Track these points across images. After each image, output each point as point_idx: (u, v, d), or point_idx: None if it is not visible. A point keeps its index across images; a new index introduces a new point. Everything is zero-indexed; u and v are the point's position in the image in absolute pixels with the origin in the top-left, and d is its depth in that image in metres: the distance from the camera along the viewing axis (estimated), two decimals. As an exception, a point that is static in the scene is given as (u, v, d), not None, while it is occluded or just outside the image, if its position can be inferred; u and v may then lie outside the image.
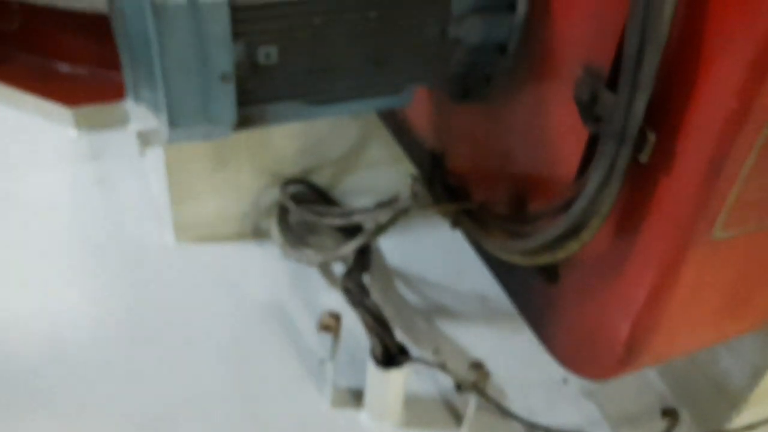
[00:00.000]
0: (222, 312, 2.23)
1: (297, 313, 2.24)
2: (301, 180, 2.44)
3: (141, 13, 1.17)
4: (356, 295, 1.97)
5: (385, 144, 2.39)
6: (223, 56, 1.21)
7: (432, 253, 2.47)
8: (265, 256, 2.45)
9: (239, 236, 2.51)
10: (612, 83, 1.11)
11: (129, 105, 2.91)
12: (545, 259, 1.32)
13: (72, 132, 2.85)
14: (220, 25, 1.17)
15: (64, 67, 3.13)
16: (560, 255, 1.27)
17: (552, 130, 1.36)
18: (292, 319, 2.22)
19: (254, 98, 1.30)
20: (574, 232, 1.22)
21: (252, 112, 1.33)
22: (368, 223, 2.01)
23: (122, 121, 2.92)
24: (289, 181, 2.43)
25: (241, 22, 1.19)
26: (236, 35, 1.20)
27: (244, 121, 1.32)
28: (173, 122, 1.26)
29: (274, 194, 2.46)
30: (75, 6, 2.91)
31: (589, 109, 1.15)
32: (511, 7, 1.34)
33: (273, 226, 2.46)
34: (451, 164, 1.79)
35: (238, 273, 2.38)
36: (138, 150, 2.18)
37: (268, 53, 1.24)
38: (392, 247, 2.48)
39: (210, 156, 2.31)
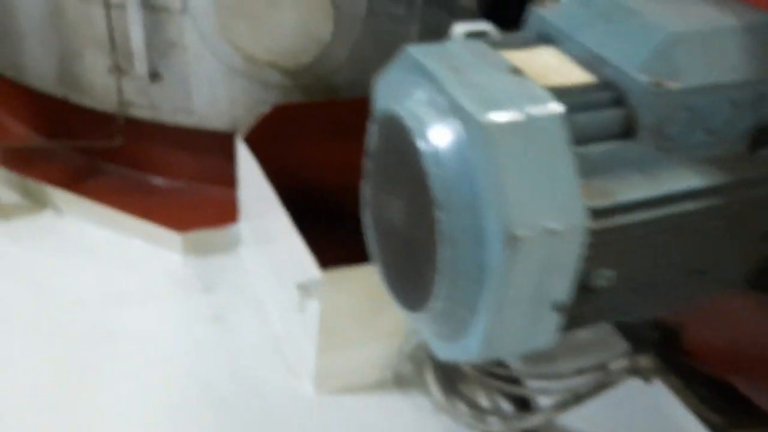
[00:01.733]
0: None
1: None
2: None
3: (477, 240, 0.96)
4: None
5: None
6: (561, 284, 1.00)
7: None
8: (412, 407, 2.21)
9: (380, 384, 2.27)
10: None
11: (240, 227, 2.73)
12: None
13: (179, 258, 2.63)
14: (569, 253, 0.96)
15: (160, 181, 2.94)
16: None
17: None
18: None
19: (576, 322, 1.08)
20: None
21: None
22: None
23: (232, 245, 2.71)
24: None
25: (589, 246, 0.99)
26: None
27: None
28: (486, 350, 1.04)
29: (418, 338, 2.24)
30: (182, 122, 2.74)
31: None
32: None
33: (427, 374, 2.23)
34: (693, 343, 1.58)
35: (386, 428, 2.14)
36: (297, 304, 1.97)
37: (605, 277, 1.04)
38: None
39: (367, 305, 2.09)
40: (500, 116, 0.93)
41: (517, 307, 1.00)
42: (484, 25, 1.22)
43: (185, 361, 2.26)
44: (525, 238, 0.91)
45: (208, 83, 2.63)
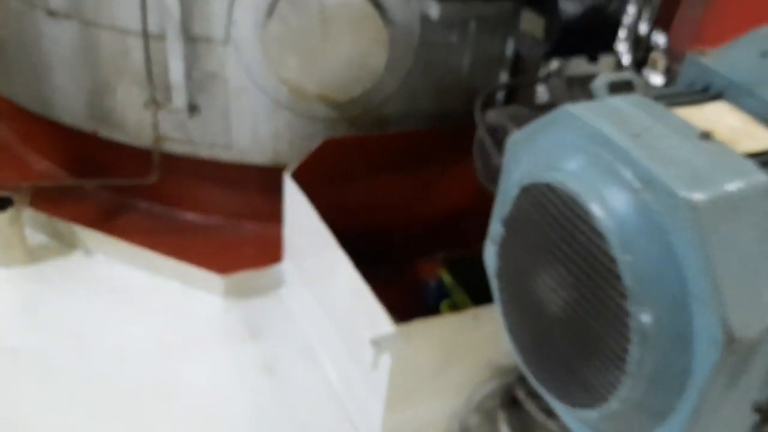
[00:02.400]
0: None
1: None
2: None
3: (680, 339, 0.82)
4: None
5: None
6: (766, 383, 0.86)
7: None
8: (483, 463, 2.07)
9: (448, 437, 2.13)
10: None
11: (284, 268, 2.58)
12: None
13: (220, 301, 2.48)
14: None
15: (195, 218, 2.79)
16: None
17: None
18: None
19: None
20: None
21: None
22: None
23: (275, 286, 2.57)
24: (519, 380, 2.06)
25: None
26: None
27: None
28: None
29: (488, 388, 2.10)
30: (220, 156, 2.60)
31: None
32: None
33: (501, 425, 2.09)
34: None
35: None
36: (371, 361, 1.83)
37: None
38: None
39: (438, 358, 1.95)
40: (709, 193, 0.79)
41: (715, 411, 0.86)
42: (629, 75, 1.09)
43: (243, 417, 2.11)
44: (745, 340, 0.78)
45: (250, 117, 2.49)
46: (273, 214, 2.54)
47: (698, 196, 0.78)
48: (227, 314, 2.48)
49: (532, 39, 2.12)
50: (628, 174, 0.85)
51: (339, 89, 2.34)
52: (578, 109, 0.93)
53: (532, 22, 2.10)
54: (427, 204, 2.70)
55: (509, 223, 1.06)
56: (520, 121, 1.86)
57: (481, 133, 1.93)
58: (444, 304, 2.31)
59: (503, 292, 1.11)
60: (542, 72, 2.31)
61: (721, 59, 1.01)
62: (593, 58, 2.24)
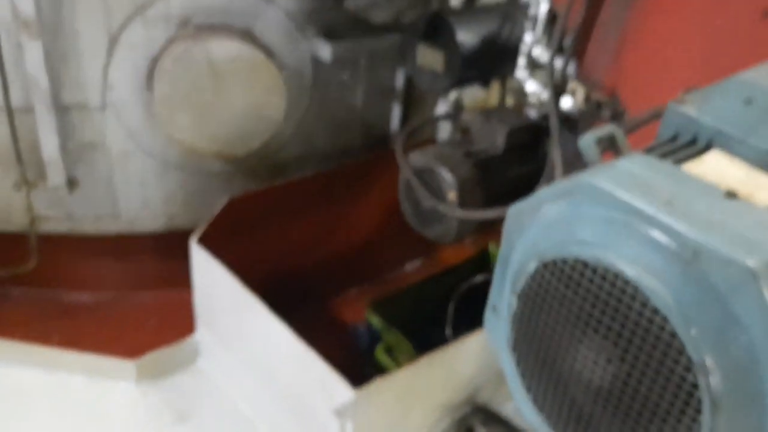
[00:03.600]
0: None
1: None
2: (482, 408, 2.08)
3: (755, 405, 0.83)
4: None
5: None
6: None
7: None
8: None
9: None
10: None
11: (198, 338, 2.40)
12: None
13: (133, 387, 2.28)
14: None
15: (82, 296, 2.55)
16: None
17: None
18: None
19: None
20: None
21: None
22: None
23: (191, 360, 2.40)
24: (473, 412, 2.06)
25: None
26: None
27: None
28: None
29: (445, 424, 2.08)
30: (107, 230, 2.39)
31: None
32: None
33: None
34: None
35: None
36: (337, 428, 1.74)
37: None
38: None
39: (397, 410, 1.89)
40: (762, 256, 0.81)
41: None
42: (611, 128, 1.10)
43: None
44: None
45: (138, 182, 2.29)
46: (171, 280, 2.37)
47: (754, 262, 0.79)
48: (145, 400, 2.26)
49: (431, 73, 2.11)
50: (674, 246, 0.84)
51: (236, 143, 2.21)
52: (601, 180, 0.91)
53: (430, 57, 2.09)
54: (337, 241, 2.63)
55: (526, 296, 1.03)
56: (448, 162, 1.85)
57: (407, 175, 1.89)
58: (379, 350, 2.26)
59: (522, 364, 1.08)
60: (440, 103, 2.32)
61: (704, 108, 1.04)
62: (486, 83, 2.29)
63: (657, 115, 1.36)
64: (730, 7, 1.36)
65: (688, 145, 1.04)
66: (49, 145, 2.11)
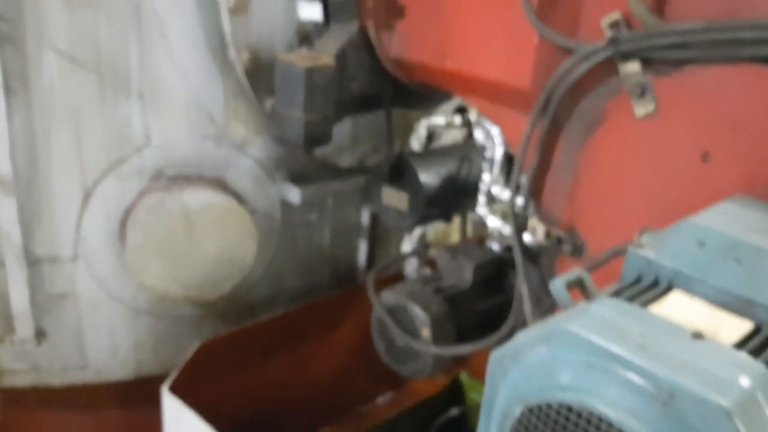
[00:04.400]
0: None
1: None
2: None
3: None
4: None
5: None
6: None
7: None
8: None
9: None
10: None
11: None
12: None
13: None
14: None
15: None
16: None
17: None
18: None
19: None
20: None
21: None
22: None
23: None
24: None
25: None
26: None
27: None
28: None
29: None
30: (74, 380, 2.34)
31: None
32: None
33: None
34: None
35: None
36: None
37: None
38: None
39: None
40: (733, 395, 0.87)
41: None
42: (579, 272, 1.18)
43: None
44: None
45: (107, 331, 2.28)
46: (141, 430, 2.30)
47: (728, 401, 0.85)
48: None
49: (396, 212, 2.21)
50: (650, 388, 0.90)
51: (208, 288, 2.24)
52: (577, 327, 0.97)
53: (395, 197, 2.19)
54: (308, 378, 2.62)
55: (511, 443, 1.06)
56: (419, 299, 1.91)
57: (379, 313, 1.94)
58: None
59: None
60: (405, 239, 2.40)
61: (661, 252, 1.13)
62: (448, 219, 2.39)
63: (616, 254, 1.46)
64: (672, 150, 1.49)
65: (651, 287, 1.12)
66: (19, 298, 2.10)
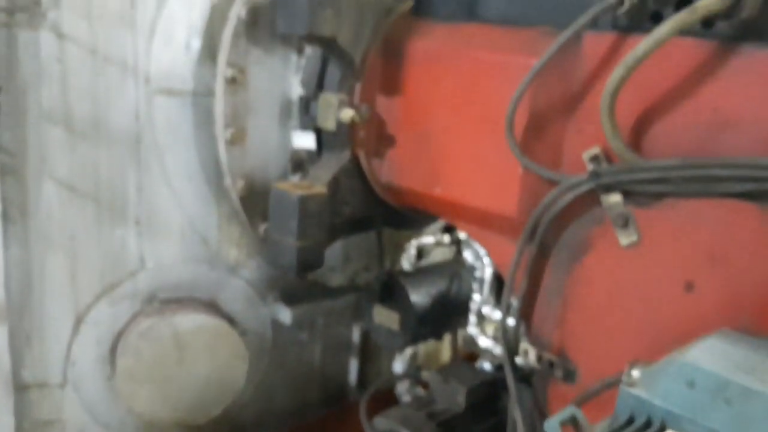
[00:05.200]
0: None
1: None
2: None
3: None
4: None
5: None
6: None
7: None
8: None
9: None
10: None
11: None
12: None
13: None
14: None
15: None
16: None
17: None
18: None
19: None
20: None
21: None
22: None
23: None
24: None
25: None
26: None
27: None
28: None
29: None
30: None
31: None
32: None
33: None
34: None
35: None
36: None
37: None
38: None
39: None
40: None
41: None
42: (572, 410, 1.19)
43: None
44: None
45: (92, 458, 2.22)
46: None
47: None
48: None
49: (387, 331, 2.22)
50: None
51: (198, 412, 2.21)
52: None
53: (385, 316, 2.21)
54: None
55: None
56: (411, 425, 1.90)
57: None
58: None
59: None
60: (396, 357, 2.41)
61: (652, 391, 1.15)
62: (439, 338, 2.41)
63: (607, 386, 1.47)
64: (657, 279, 1.53)
65: (644, 427, 1.13)
66: (4, 427, 2.06)
